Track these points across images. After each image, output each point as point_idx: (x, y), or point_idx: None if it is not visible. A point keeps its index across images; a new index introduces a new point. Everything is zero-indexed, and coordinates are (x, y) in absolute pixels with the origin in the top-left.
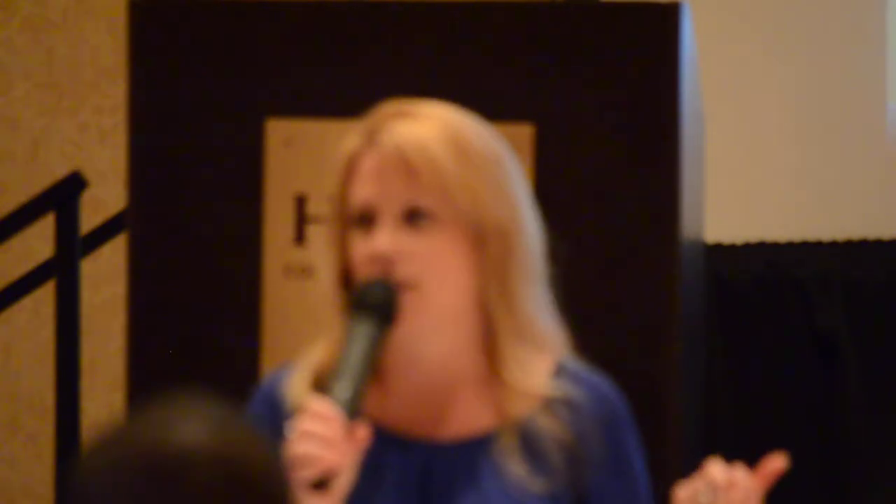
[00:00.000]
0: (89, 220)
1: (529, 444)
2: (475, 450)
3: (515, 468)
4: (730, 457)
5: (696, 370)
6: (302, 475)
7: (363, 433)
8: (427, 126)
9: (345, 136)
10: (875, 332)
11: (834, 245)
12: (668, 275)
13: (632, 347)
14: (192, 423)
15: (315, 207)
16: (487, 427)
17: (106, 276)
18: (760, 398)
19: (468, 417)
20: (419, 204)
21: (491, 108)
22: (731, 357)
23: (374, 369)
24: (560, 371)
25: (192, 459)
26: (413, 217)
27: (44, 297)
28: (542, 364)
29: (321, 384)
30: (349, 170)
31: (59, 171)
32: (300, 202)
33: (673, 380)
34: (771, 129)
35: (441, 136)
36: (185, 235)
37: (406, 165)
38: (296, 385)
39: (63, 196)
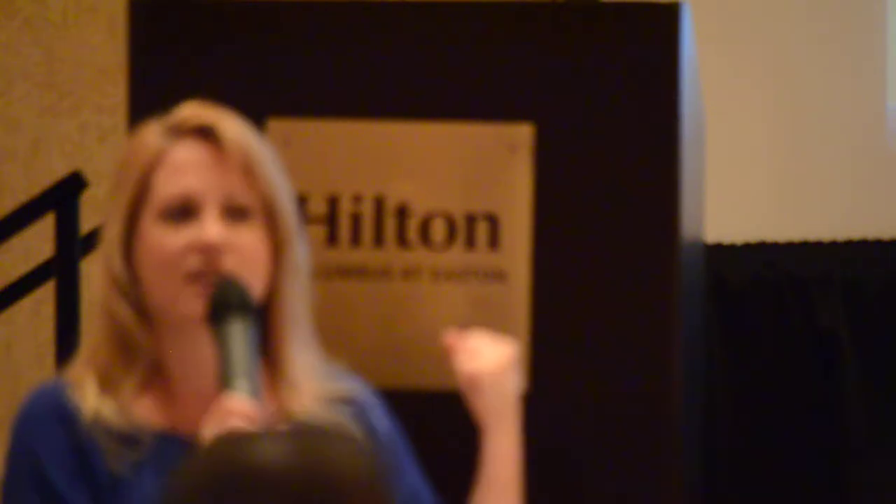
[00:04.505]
0: (89, 220)
1: None
2: None
3: None
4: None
5: (696, 370)
6: None
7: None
8: (241, 127)
9: (141, 132)
10: (875, 332)
11: (834, 245)
12: (668, 275)
13: (631, 347)
14: (276, 443)
15: (315, 207)
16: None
17: None
18: (760, 398)
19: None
20: (239, 199)
21: (491, 108)
22: (731, 357)
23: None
24: (330, 370)
25: (270, 479)
26: (233, 212)
27: (44, 297)
28: (317, 364)
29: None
30: (153, 162)
31: (59, 171)
32: (300, 202)
33: (673, 380)
34: (771, 128)
35: (253, 138)
36: None
37: (227, 161)
38: (89, 396)
39: (63, 196)
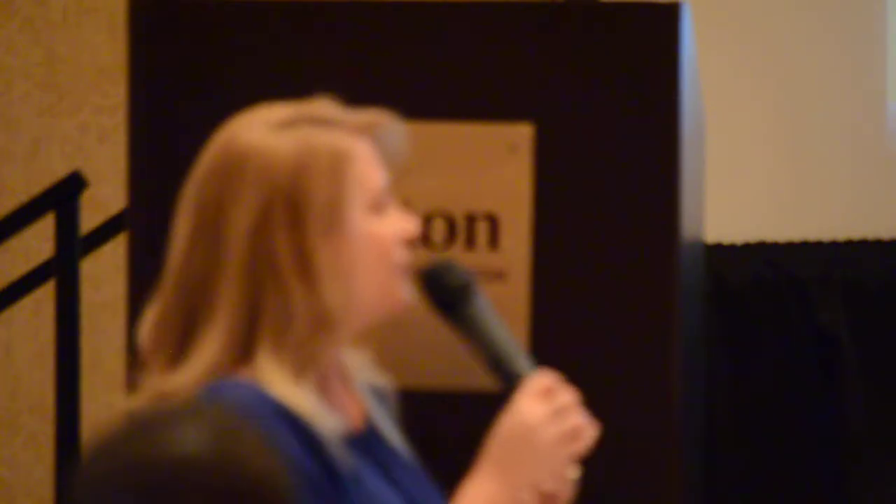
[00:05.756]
0: (89, 220)
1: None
2: (373, 436)
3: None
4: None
5: (697, 370)
6: (578, 446)
7: None
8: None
9: (333, 126)
10: (875, 331)
11: (834, 245)
12: (668, 275)
13: (632, 347)
14: (190, 432)
15: None
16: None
17: (106, 276)
18: (760, 398)
19: (357, 407)
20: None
21: (491, 108)
22: (732, 357)
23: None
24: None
25: (184, 470)
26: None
27: (44, 297)
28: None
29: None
30: (351, 157)
31: (59, 171)
32: None
33: (673, 380)
34: (771, 128)
35: None
36: None
37: (391, 159)
38: (297, 395)
39: (63, 196)
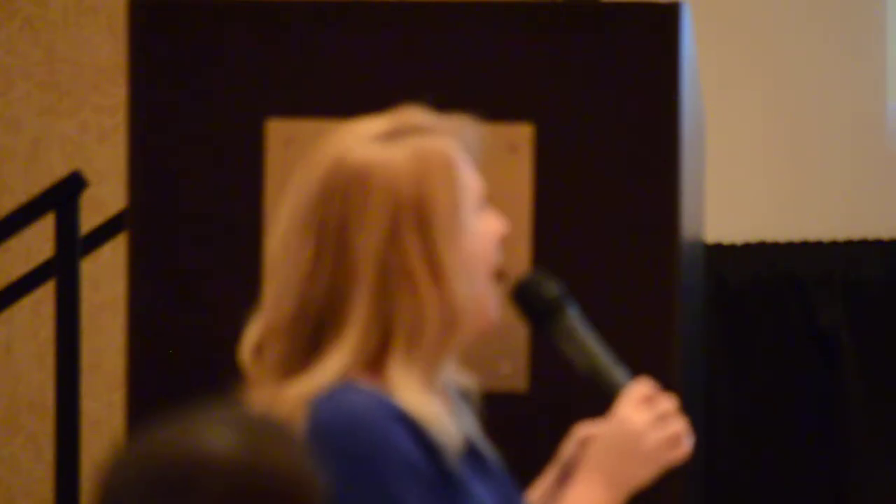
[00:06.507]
0: (89, 220)
1: None
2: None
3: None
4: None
5: (697, 370)
6: (678, 453)
7: None
8: None
9: (431, 132)
10: (875, 331)
11: (834, 245)
12: (668, 275)
13: (632, 348)
14: (218, 431)
15: None
16: None
17: (106, 276)
18: (760, 398)
19: None
20: None
21: (491, 108)
22: (732, 357)
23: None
24: None
25: (207, 469)
26: None
27: (44, 297)
28: None
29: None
30: (460, 160)
31: (59, 171)
32: None
33: (673, 380)
34: (771, 128)
35: None
36: (185, 235)
37: (472, 159)
38: (424, 403)
39: (63, 196)
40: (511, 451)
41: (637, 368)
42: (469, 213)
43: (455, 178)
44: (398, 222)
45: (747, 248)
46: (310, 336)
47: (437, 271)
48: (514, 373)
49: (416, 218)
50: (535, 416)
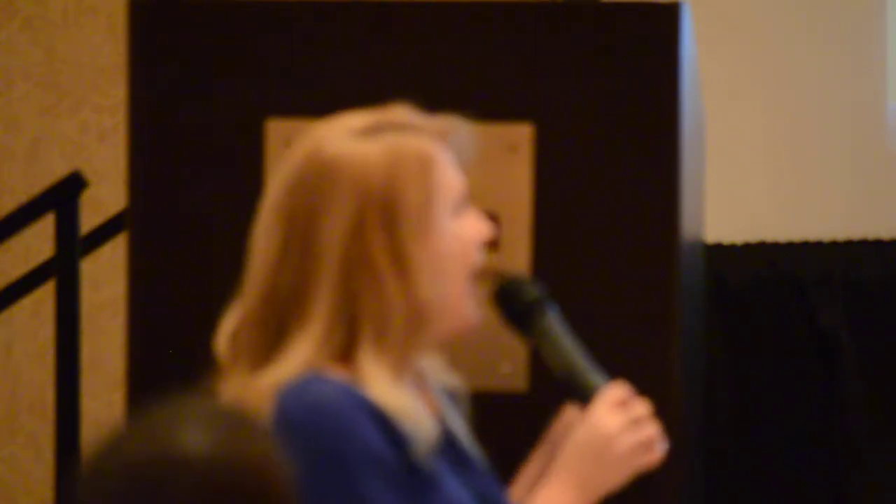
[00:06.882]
0: (89, 220)
1: None
2: (447, 437)
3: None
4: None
5: (697, 370)
6: (651, 458)
7: None
8: None
9: (414, 131)
10: (875, 331)
11: (834, 245)
12: (668, 275)
13: (632, 347)
14: (194, 430)
15: None
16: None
17: (106, 276)
18: (760, 398)
19: (432, 409)
20: None
21: (491, 107)
22: (732, 357)
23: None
24: None
25: (184, 468)
26: None
27: (44, 297)
28: None
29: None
30: (440, 160)
31: (59, 171)
32: None
33: (673, 380)
34: (771, 128)
35: None
36: (185, 235)
37: (461, 160)
38: (395, 395)
39: (63, 196)
40: (511, 451)
41: (637, 368)
42: (443, 213)
43: (428, 177)
44: (364, 215)
45: (747, 248)
46: (277, 325)
47: (401, 267)
48: (514, 373)
49: (383, 212)
50: (535, 416)
